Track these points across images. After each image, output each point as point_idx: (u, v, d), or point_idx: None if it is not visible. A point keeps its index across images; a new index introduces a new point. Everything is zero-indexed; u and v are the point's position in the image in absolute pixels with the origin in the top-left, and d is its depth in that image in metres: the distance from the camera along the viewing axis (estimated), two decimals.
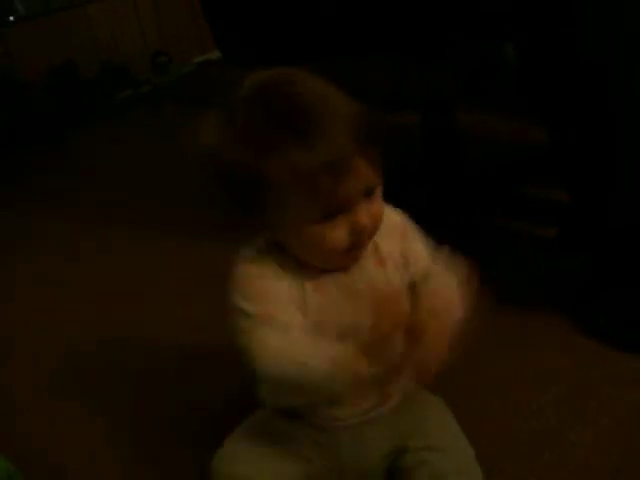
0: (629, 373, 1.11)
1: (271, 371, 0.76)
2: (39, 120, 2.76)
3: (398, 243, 0.88)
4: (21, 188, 2.35)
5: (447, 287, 0.84)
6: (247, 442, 0.90)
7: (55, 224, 2.01)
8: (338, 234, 0.78)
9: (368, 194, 0.79)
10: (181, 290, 1.52)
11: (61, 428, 1.20)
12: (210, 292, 0.95)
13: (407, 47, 1.38)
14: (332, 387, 0.76)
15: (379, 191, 0.81)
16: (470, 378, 1.14)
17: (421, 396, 0.95)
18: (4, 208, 2.18)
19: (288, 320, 0.79)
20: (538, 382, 1.13)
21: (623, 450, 0.98)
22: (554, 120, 1.15)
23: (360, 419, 0.89)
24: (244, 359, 0.78)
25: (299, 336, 0.78)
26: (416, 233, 0.90)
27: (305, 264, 0.83)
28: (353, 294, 0.84)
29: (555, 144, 1.18)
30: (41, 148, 2.67)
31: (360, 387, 0.82)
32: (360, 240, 0.80)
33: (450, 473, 0.85)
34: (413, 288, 0.87)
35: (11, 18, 2.88)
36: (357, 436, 0.89)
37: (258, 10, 1.36)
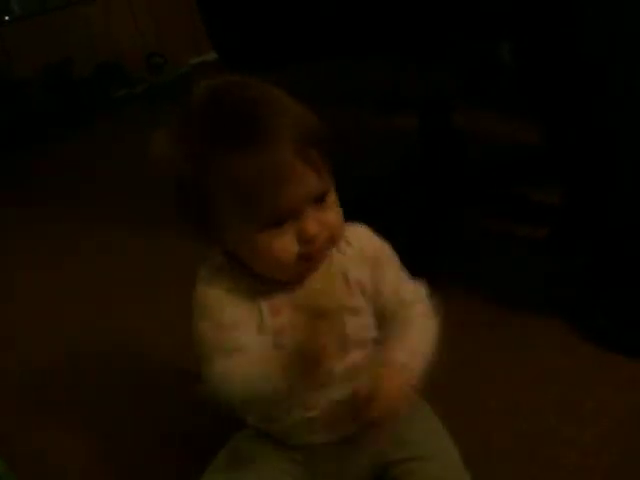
0: (627, 374, 1.11)
1: (222, 396, 0.76)
2: (35, 119, 2.76)
3: (369, 271, 0.85)
4: (18, 187, 2.35)
5: (419, 331, 0.84)
6: (227, 471, 0.88)
7: (52, 223, 2.01)
8: (286, 243, 0.77)
9: (318, 201, 0.77)
10: (181, 290, 1.52)
11: (58, 429, 1.20)
12: None
13: (406, 47, 1.38)
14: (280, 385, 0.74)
15: (332, 199, 0.80)
16: (468, 378, 1.15)
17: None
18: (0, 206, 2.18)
19: (242, 344, 0.78)
20: (537, 382, 1.13)
21: (621, 451, 0.98)
22: (553, 120, 1.16)
23: (336, 438, 0.88)
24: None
25: (243, 358, 0.77)
26: (392, 263, 0.88)
27: (262, 278, 0.81)
28: (316, 316, 0.81)
29: (553, 144, 1.18)
30: (37, 147, 2.67)
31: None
32: (311, 250, 0.78)
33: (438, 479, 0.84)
34: (382, 318, 0.86)
35: (7, 18, 2.87)
36: (334, 455, 0.88)
37: (255, 11, 1.36)
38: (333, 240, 0.80)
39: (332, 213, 0.79)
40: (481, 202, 1.64)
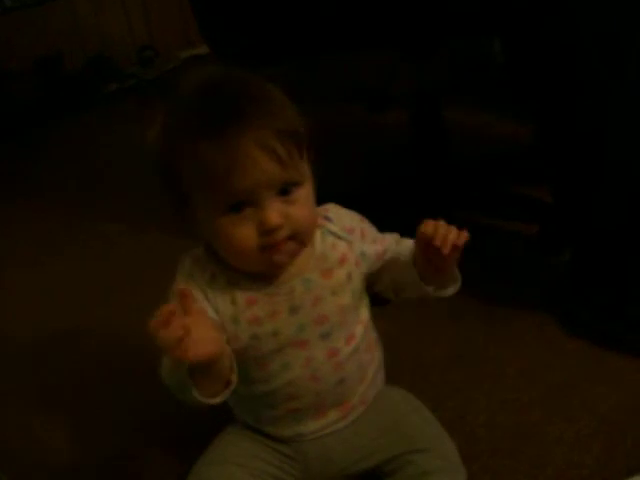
0: (613, 370, 1.12)
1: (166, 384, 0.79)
2: (24, 112, 2.74)
3: (358, 243, 0.88)
4: (6, 179, 2.33)
5: None
6: (217, 469, 0.89)
7: (38, 218, 1.99)
8: (245, 231, 0.77)
9: (283, 193, 0.78)
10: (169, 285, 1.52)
11: (51, 428, 1.19)
12: None
13: (396, 43, 1.38)
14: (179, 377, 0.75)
15: (303, 195, 0.80)
16: (455, 374, 1.16)
17: (391, 399, 0.95)
18: None
19: None
20: (523, 378, 1.13)
21: (608, 446, 0.99)
22: (541, 117, 1.16)
23: (324, 432, 0.89)
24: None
25: None
26: (371, 232, 0.91)
27: (238, 269, 0.82)
28: (294, 309, 0.83)
29: (541, 141, 1.18)
30: (26, 139, 2.65)
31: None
32: (272, 242, 0.78)
33: (434, 471, 0.85)
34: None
35: None
36: (323, 448, 0.90)
37: (247, 5, 1.36)
38: (299, 238, 0.80)
39: (300, 208, 0.79)
40: (471, 198, 1.64)
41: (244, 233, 0.77)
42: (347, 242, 0.87)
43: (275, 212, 0.77)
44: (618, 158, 1.10)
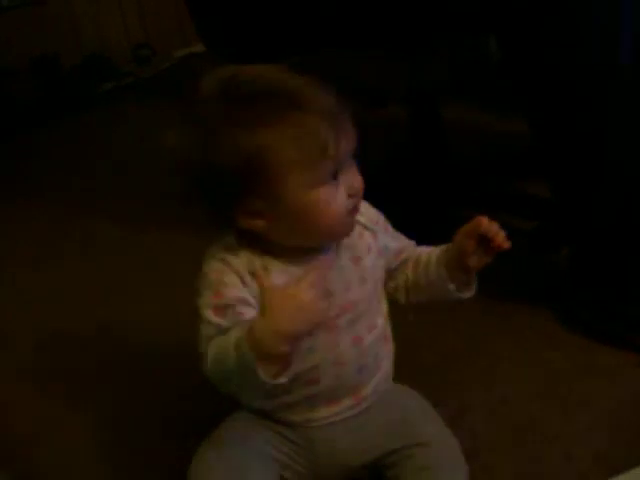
0: (611, 365, 1.12)
1: (212, 377, 0.79)
2: (21, 111, 2.74)
3: (382, 235, 0.91)
4: (5, 179, 2.33)
5: None
6: (221, 451, 0.89)
7: (39, 216, 2.00)
8: (340, 197, 0.79)
9: (353, 155, 0.81)
10: (168, 285, 1.51)
11: (51, 427, 1.19)
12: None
13: (394, 40, 1.38)
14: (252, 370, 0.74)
15: None
16: (453, 370, 1.16)
17: (397, 394, 0.96)
18: None
19: (235, 324, 0.78)
20: (522, 373, 1.14)
21: (606, 441, 0.99)
22: (538, 114, 1.16)
23: (334, 419, 0.90)
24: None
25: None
26: (392, 230, 0.94)
27: (278, 256, 0.83)
28: (327, 293, 0.82)
29: (538, 139, 1.19)
30: (26, 139, 2.65)
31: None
32: (357, 202, 0.82)
33: (436, 466, 0.86)
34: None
35: None
36: (331, 435, 0.90)
37: (243, 3, 1.36)
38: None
39: (356, 169, 0.83)
40: (469, 195, 1.64)
41: (342, 200, 0.80)
42: (372, 233, 0.89)
43: (357, 174, 0.82)
44: (616, 158, 1.10)
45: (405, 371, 0.97)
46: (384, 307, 0.93)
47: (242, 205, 0.79)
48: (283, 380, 0.75)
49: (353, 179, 0.80)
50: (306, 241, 0.83)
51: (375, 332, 0.89)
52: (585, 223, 1.18)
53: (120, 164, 2.26)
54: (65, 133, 2.66)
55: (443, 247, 0.91)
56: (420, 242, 0.96)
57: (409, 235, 0.96)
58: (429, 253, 0.92)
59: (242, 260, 0.82)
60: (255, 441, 0.89)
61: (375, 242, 0.90)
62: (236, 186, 0.78)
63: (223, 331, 0.78)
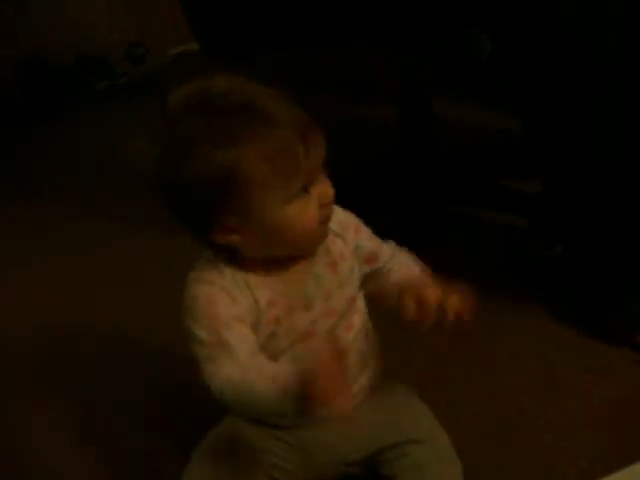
0: (600, 358, 1.13)
1: (224, 399, 0.77)
2: (13, 111, 2.73)
3: (352, 238, 0.90)
4: (5, 179, 2.31)
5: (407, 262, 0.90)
6: (214, 454, 0.90)
7: (39, 216, 2.00)
8: (313, 208, 0.80)
9: (324, 165, 0.81)
10: (164, 282, 1.51)
11: (51, 427, 1.20)
12: None
13: (382, 34, 1.39)
14: (283, 407, 0.74)
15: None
16: (442, 364, 1.17)
17: (390, 390, 0.96)
18: None
19: (240, 342, 0.78)
20: (513, 367, 1.15)
21: (594, 433, 1.00)
22: (531, 110, 1.17)
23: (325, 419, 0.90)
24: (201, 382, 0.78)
25: (248, 362, 0.77)
26: (367, 231, 0.93)
27: (253, 270, 0.82)
28: (308, 305, 0.85)
29: (532, 134, 1.19)
30: (25, 139, 2.64)
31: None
32: (329, 212, 0.82)
33: (430, 463, 0.87)
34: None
35: None
36: (322, 434, 0.90)
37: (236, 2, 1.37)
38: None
39: (327, 179, 0.83)
40: (460, 191, 1.65)
41: (313, 212, 0.80)
42: (342, 239, 0.89)
43: (329, 184, 0.82)
44: (607, 157, 1.11)
45: (395, 363, 0.98)
46: (361, 305, 0.92)
47: (216, 221, 0.79)
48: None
49: (324, 188, 0.81)
50: (281, 252, 0.83)
51: (354, 330, 0.90)
52: (577, 216, 1.18)
53: (121, 163, 2.25)
54: (62, 132, 2.65)
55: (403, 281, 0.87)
56: (410, 241, 0.96)
57: (400, 235, 0.96)
58: (397, 271, 0.91)
59: (226, 278, 0.82)
60: (248, 447, 0.90)
61: (346, 247, 0.89)
62: (209, 202, 0.78)
63: (224, 348, 0.77)
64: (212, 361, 0.78)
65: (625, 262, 1.15)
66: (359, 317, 0.91)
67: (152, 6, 3.18)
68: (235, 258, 0.82)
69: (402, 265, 0.91)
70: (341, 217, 0.90)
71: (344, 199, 0.92)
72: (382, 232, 0.94)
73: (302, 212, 0.79)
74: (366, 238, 0.91)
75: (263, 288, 0.83)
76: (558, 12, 1.02)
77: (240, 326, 0.80)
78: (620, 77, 1.06)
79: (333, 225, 0.87)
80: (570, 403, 1.06)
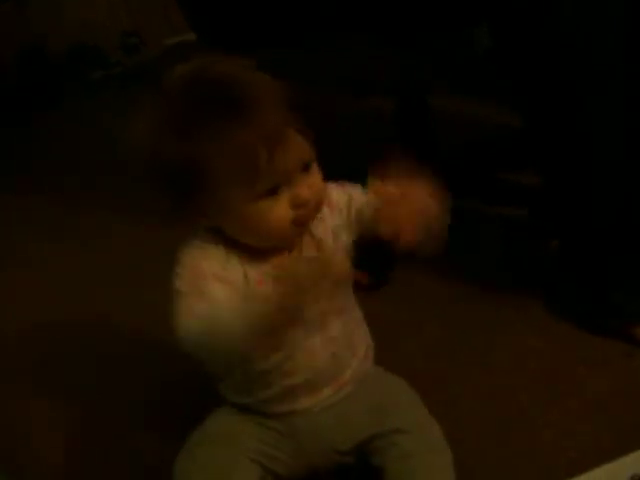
0: (600, 355, 1.13)
1: (190, 338, 0.76)
2: (8, 102, 2.72)
3: (327, 220, 0.90)
4: (4, 172, 2.30)
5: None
6: (204, 450, 0.90)
7: (39, 210, 1.99)
8: (281, 209, 0.80)
9: (305, 169, 0.81)
10: (164, 274, 1.52)
11: (51, 426, 1.20)
12: None
13: (381, 28, 1.38)
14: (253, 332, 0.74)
15: (315, 167, 0.83)
16: (442, 360, 1.17)
17: (380, 379, 0.97)
18: None
19: (222, 296, 0.78)
20: (510, 364, 1.15)
21: (594, 431, 1.01)
22: (530, 105, 1.16)
23: (316, 408, 0.91)
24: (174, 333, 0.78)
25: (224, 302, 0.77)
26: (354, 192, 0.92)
27: (246, 249, 0.84)
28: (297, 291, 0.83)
29: (530, 128, 1.19)
30: (25, 130, 2.63)
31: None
32: (304, 214, 0.82)
33: (420, 452, 0.87)
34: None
35: None
36: (314, 422, 0.91)
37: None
38: (319, 204, 0.84)
39: (317, 178, 0.83)
40: (458, 184, 1.64)
41: (280, 213, 0.80)
42: (319, 219, 0.89)
43: (305, 187, 0.81)
44: (606, 156, 1.11)
45: (390, 361, 0.99)
46: (350, 290, 0.93)
47: (188, 203, 0.82)
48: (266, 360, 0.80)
49: (299, 191, 0.80)
50: (255, 244, 0.84)
51: (343, 316, 0.91)
52: (578, 221, 1.18)
53: (110, 155, 2.23)
54: (55, 122, 2.64)
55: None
56: None
57: None
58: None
59: (219, 248, 0.84)
60: (238, 436, 0.91)
61: (325, 226, 0.89)
62: (177, 186, 0.81)
63: (203, 298, 0.78)
64: (188, 310, 0.78)
65: (625, 261, 1.15)
66: (349, 303, 0.93)
67: None
68: (225, 237, 0.84)
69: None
70: (337, 196, 0.91)
71: None
72: None
73: (267, 213, 0.80)
74: (364, 204, 0.91)
75: (253, 267, 0.84)
76: (558, 12, 1.02)
77: (225, 287, 0.80)
78: (620, 77, 1.06)
79: (330, 218, 0.89)
80: (569, 401, 1.06)
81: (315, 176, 0.83)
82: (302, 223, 0.83)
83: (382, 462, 0.89)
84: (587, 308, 1.19)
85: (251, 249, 0.84)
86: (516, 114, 1.19)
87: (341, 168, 0.85)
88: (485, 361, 1.16)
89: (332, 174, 0.88)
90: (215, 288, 0.79)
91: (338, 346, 0.90)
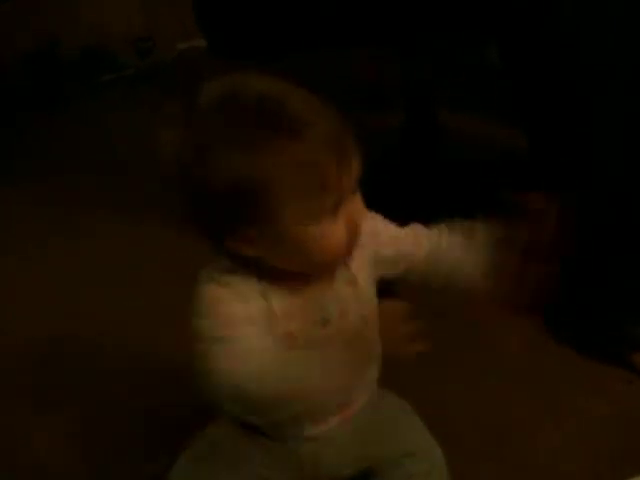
0: (596, 377, 1.14)
1: (226, 387, 0.73)
2: (19, 103, 2.74)
3: (370, 242, 0.84)
4: (5, 172, 2.31)
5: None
6: (203, 462, 0.89)
7: (39, 211, 1.99)
8: (339, 230, 0.74)
9: (357, 183, 0.75)
10: (162, 275, 1.54)
11: (50, 428, 1.20)
12: None
13: (391, 41, 1.38)
14: (292, 405, 0.73)
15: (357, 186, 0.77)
16: (436, 378, 1.16)
17: (384, 402, 0.95)
18: None
19: (253, 342, 0.74)
20: (505, 383, 1.15)
21: (589, 452, 1.01)
22: (529, 109, 1.16)
23: (321, 435, 0.88)
24: (200, 383, 0.75)
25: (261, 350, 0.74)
26: (387, 230, 0.87)
27: (274, 280, 0.78)
28: (325, 321, 0.81)
29: (537, 149, 1.19)
30: (22, 131, 2.65)
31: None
32: (356, 235, 0.76)
33: (420, 474, 0.87)
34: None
35: None
36: (316, 448, 0.88)
37: (245, 4, 1.37)
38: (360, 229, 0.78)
39: (360, 200, 0.78)
40: (462, 201, 1.63)
41: (338, 232, 0.74)
42: (360, 248, 0.82)
43: (360, 206, 0.76)
44: (607, 160, 1.11)
45: (387, 375, 0.98)
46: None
47: (233, 230, 0.74)
48: None
49: (354, 212, 0.75)
50: (296, 269, 0.77)
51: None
52: (577, 221, 1.17)
53: (122, 158, 2.25)
54: (64, 124, 2.65)
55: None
56: None
57: None
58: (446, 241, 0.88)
59: (241, 282, 0.77)
60: (239, 457, 0.88)
61: (362, 257, 0.83)
62: (227, 210, 0.73)
63: (227, 344, 0.73)
64: (216, 357, 0.73)
65: (625, 262, 1.15)
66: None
67: (162, 0, 3.18)
68: (252, 265, 0.77)
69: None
70: (370, 227, 0.83)
71: None
72: None
73: (326, 235, 0.73)
74: (387, 241, 0.86)
75: (279, 299, 0.78)
76: (558, 12, 1.02)
77: (250, 327, 0.75)
78: (620, 77, 1.05)
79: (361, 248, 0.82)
80: (564, 421, 1.07)
81: (359, 196, 0.77)
82: (352, 244, 0.77)
83: None
84: (588, 335, 1.18)
85: (275, 280, 0.78)
86: (521, 133, 1.19)
87: None
88: (479, 381, 1.16)
89: None
90: (249, 334, 0.74)
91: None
